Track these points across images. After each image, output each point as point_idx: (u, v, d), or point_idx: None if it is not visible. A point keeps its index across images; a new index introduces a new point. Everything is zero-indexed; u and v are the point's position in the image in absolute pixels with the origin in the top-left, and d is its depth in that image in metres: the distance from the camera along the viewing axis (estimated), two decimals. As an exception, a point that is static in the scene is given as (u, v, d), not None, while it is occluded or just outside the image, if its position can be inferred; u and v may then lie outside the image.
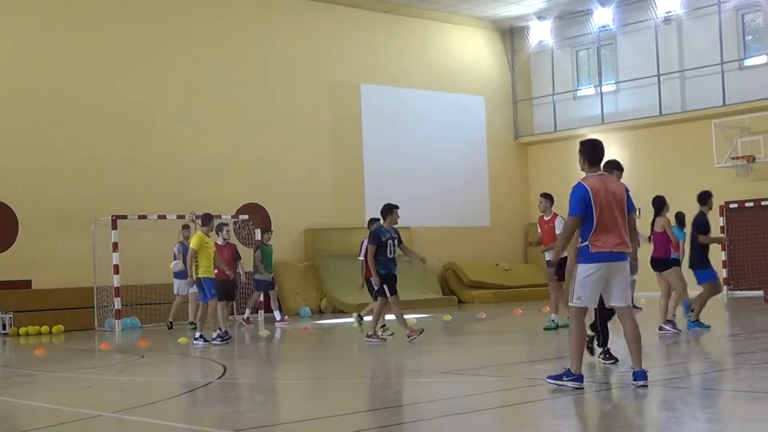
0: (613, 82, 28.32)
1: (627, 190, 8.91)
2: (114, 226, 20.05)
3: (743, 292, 23.72)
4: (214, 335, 15.19)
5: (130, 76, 22.83)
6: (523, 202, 29.25)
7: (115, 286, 19.96)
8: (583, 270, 8.57)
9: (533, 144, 29.70)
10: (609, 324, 10.42)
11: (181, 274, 19.17)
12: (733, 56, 25.47)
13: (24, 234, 20.89)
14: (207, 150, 23.71)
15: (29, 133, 21.42)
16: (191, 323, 19.14)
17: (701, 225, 14.15)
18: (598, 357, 10.33)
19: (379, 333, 14.59)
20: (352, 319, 18.64)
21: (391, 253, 14.30)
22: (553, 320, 15.08)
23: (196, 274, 15.23)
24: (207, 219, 15.75)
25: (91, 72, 22.31)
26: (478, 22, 29.30)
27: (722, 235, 22.77)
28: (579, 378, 8.53)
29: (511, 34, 30.15)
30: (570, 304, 8.78)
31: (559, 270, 13.53)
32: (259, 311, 21.72)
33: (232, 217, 21.87)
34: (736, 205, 24.46)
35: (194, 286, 17.44)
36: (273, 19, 25.40)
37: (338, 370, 11.76)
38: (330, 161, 26.03)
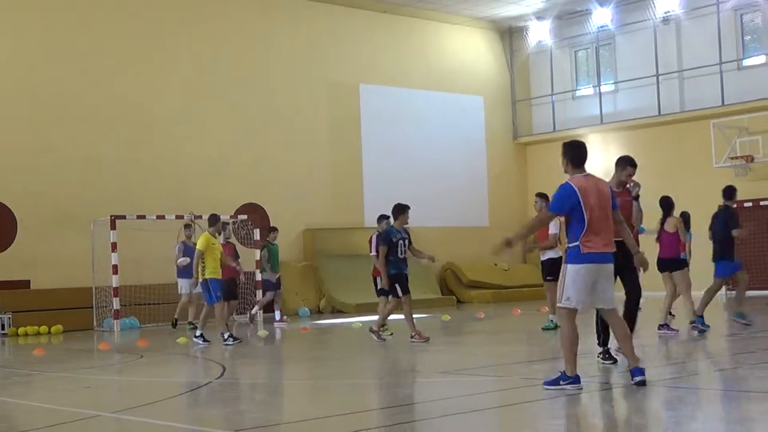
0: (612, 82, 28.34)
1: (611, 188, 8.89)
2: (113, 226, 20.04)
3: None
4: (226, 335, 15.10)
5: (129, 76, 22.85)
6: (522, 202, 29.24)
7: (114, 286, 19.96)
8: (572, 271, 8.52)
9: (532, 144, 29.71)
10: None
11: (184, 273, 19.17)
12: (732, 56, 25.49)
13: (23, 234, 20.88)
14: (206, 150, 23.73)
15: (28, 134, 21.43)
16: (190, 323, 19.16)
17: (731, 218, 14.15)
18: (597, 356, 10.34)
19: (380, 333, 14.56)
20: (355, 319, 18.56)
21: (402, 253, 14.32)
22: (551, 320, 15.08)
23: (203, 275, 15.17)
24: (214, 220, 15.68)
25: (91, 72, 22.33)
26: (476, 22, 29.31)
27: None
28: (576, 380, 8.50)
29: (509, 34, 30.16)
30: (559, 305, 8.73)
31: (552, 270, 13.54)
32: (259, 311, 21.70)
33: (231, 217, 21.87)
34: (734, 205, 24.43)
35: (197, 287, 17.49)
36: (272, 19, 25.42)
37: (337, 370, 11.76)
38: (329, 161, 26.04)
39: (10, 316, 20.00)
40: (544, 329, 15.04)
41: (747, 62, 25.71)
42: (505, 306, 23.46)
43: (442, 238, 27.22)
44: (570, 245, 8.57)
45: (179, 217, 20.93)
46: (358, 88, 26.81)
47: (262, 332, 17.29)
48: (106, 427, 8.28)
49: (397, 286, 14.26)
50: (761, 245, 24.15)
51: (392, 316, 15.34)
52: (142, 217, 20.82)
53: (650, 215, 14.41)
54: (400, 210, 14.48)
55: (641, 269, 9.69)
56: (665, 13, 26.43)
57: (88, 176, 21.91)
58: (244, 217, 22.27)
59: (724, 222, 14.20)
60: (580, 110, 28.99)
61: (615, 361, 10.10)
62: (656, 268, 14.03)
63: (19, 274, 20.75)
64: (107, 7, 22.86)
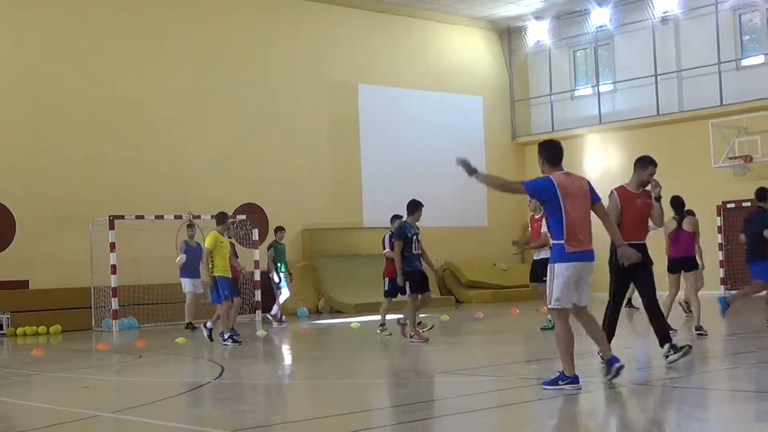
0: (611, 82, 28.34)
1: (589, 183, 8.90)
2: (111, 227, 20.03)
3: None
4: (226, 335, 15.08)
5: (128, 76, 22.84)
6: (521, 202, 29.09)
7: (113, 286, 19.93)
8: (560, 270, 8.52)
9: (531, 144, 29.67)
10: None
11: (187, 273, 19.14)
12: (731, 56, 25.50)
13: (21, 234, 20.84)
14: (205, 150, 23.72)
15: (27, 133, 21.41)
16: (188, 325, 19.12)
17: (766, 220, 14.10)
18: (598, 353, 10.27)
19: (420, 332, 14.38)
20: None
21: (416, 249, 14.32)
22: (550, 320, 15.07)
23: (211, 272, 15.17)
24: (222, 217, 15.64)
25: (91, 72, 22.31)
26: (475, 22, 29.32)
27: None
28: (574, 380, 8.50)
29: (508, 34, 30.17)
30: (550, 307, 8.71)
31: (541, 271, 13.59)
32: (257, 311, 21.72)
33: (229, 217, 21.83)
34: (733, 205, 24.45)
35: (194, 286, 17.59)
36: (271, 19, 25.41)
37: (336, 370, 11.76)
38: (327, 161, 26.04)
39: (8, 316, 19.99)
40: (543, 329, 15.03)
41: (745, 62, 25.72)
42: (503, 306, 23.47)
43: (440, 238, 27.18)
44: (554, 242, 8.58)
45: (178, 217, 20.93)
46: (357, 88, 26.81)
47: (261, 332, 17.28)
48: (104, 427, 8.28)
49: (407, 284, 14.26)
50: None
51: (389, 315, 15.35)
52: (141, 217, 20.81)
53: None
54: (415, 206, 14.52)
55: (622, 263, 9.59)
56: (664, 13, 26.44)
57: (86, 176, 21.90)
58: (243, 217, 22.27)
59: (763, 223, 14.15)
60: (579, 110, 28.99)
61: (688, 346, 9.93)
62: (667, 268, 13.87)
63: (17, 274, 20.73)
64: (107, 7, 22.85)
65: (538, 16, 28.72)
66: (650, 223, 10.53)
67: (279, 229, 20.48)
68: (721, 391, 8.90)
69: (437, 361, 12.56)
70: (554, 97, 29.44)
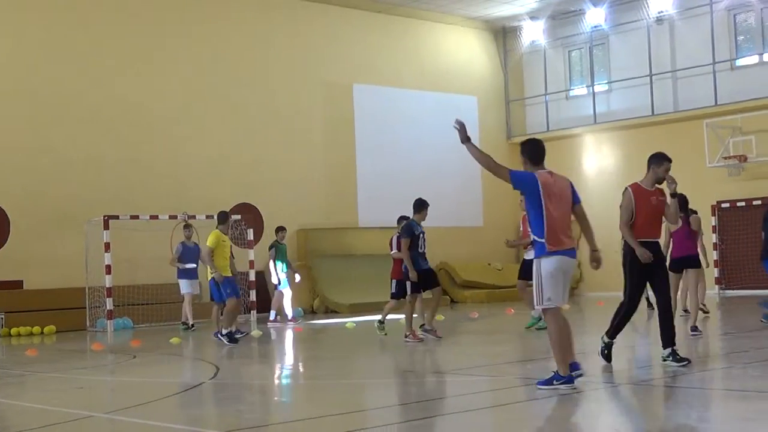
0: (606, 82, 28.35)
1: (572, 184, 8.88)
2: (106, 227, 19.99)
3: (735, 291, 23.78)
4: (224, 331, 15.03)
5: (128, 76, 22.78)
6: (516, 202, 29.07)
7: (107, 286, 19.90)
8: (546, 269, 8.51)
9: (526, 144, 29.69)
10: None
11: (184, 274, 19.09)
12: (725, 56, 25.53)
13: (16, 234, 20.82)
14: (200, 150, 23.67)
15: (23, 134, 21.36)
16: (184, 323, 19.12)
17: None
18: (599, 354, 10.20)
19: (415, 332, 14.36)
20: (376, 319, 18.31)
21: (422, 248, 14.35)
22: (534, 317, 15.11)
23: (211, 273, 15.14)
24: (224, 217, 15.61)
25: (90, 72, 22.27)
26: (470, 22, 29.32)
27: None
28: (569, 379, 8.49)
29: (503, 34, 30.17)
30: (541, 307, 8.66)
31: (530, 270, 13.59)
32: (252, 311, 21.71)
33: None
34: (728, 205, 24.52)
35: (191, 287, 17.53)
36: (267, 20, 25.38)
37: (331, 370, 11.75)
38: (323, 161, 26.01)
39: (2, 316, 19.96)
40: (538, 329, 15.01)
41: (740, 62, 25.74)
42: (498, 306, 23.47)
43: (436, 238, 27.00)
44: (536, 240, 8.56)
45: (173, 217, 20.91)
46: (352, 88, 26.79)
47: (256, 332, 17.26)
48: (98, 428, 8.26)
49: (408, 284, 14.26)
50: (753, 245, 24.18)
51: (390, 316, 15.34)
52: (136, 217, 20.77)
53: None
54: (421, 205, 14.61)
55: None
56: (659, 13, 26.47)
57: (80, 176, 21.85)
58: (238, 217, 22.25)
59: None
60: (574, 110, 29.01)
61: (687, 361, 9.79)
62: (669, 266, 13.77)
63: (12, 275, 20.69)
64: (106, 6, 22.79)
65: (533, 16, 28.72)
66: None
67: (280, 229, 20.44)
68: (715, 390, 8.90)
69: (432, 362, 12.55)
70: (549, 97, 29.45)
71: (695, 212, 14.17)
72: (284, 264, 20.11)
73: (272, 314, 20.25)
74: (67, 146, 21.73)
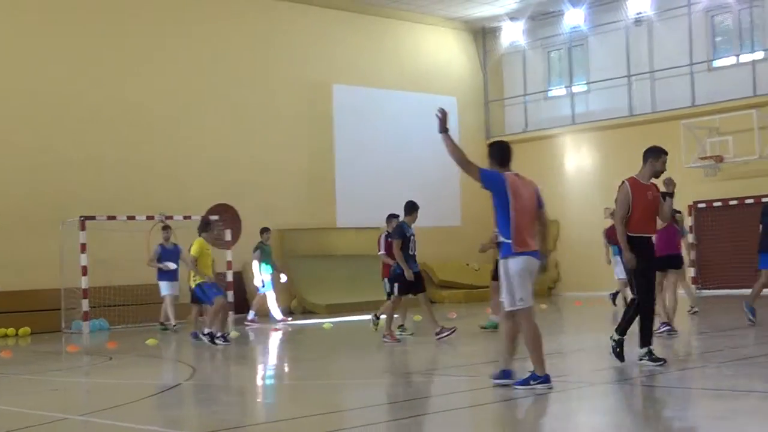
0: (584, 82, 28.45)
1: (537, 188, 8.89)
2: (82, 227, 19.87)
3: (711, 290, 23.91)
4: (206, 331, 14.90)
5: (93, 76, 22.62)
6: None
7: (83, 287, 19.77)
8: (514, 270, 8.53)
9: (505, 144, 29.72)
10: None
11: (163, 275, 18.96)
12: (703, 57, 25.68)
13: (-10, 235, 20.65)
14: (176, 151, 23.56)
15: (-3, 133, 21.22)
16: (162, 324, 19.01)
17: None
18: (613, 347, 10.08)
19: (393, 332, 14.36)
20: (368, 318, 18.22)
21: (412, 250, 14.38)
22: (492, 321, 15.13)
23: (194, 280, 15.05)
24: (207, 225, 15.53)
25: (63, 71, 22.08)
26: (450, 22, 29.35)
27: None
28: (546, 379, 8.52)
29: (483, 34, 30.22)
30: (513, 308, 8.61)
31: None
32: (229, 312, 21.61)
33: (202, 218, 21.71)
34: (704, 205, 24.65)
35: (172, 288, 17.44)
36: (248, 21, 25.30)
37: (308, 370, 11.73)
38: (301, 161, 25.95)
39: (-23, 318, 19.79)
40: (483, 327, 15.20)
41: (717, 63, 25.89)
42: (476, 306, 23.47)
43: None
44: (504, 240, 8.57)
45: (150, 218, 20.80)
46: (332, 88, 26.75)
47: (233, 333, 17.19)
48: (73, 430, 8.20)
49: (396, 285, 14.25)
50: (729, 245, 24.35)
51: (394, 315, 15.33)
52: (113, 218, 20.65)
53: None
54: (412, 207, 14.75)
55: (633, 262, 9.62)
56: (637, 14, 26.58)
57: (56, 177, 21.66)
58: (216, 217, 22.15)
59: None
60: (553, 110, 29.09)
61: (663, 361, 9.82)
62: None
63: (-15, 276, 20.53)
64: (102, 6, 22.70)
65: (512, 16, 28.78)
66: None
67: (265, 230, 20.39)
68: (689, 389, 8.94)
69: (410, 361, 12.55)
70: (528, 98, 29.52)
71: (678, 212, 14.24)
72: (270, 265, 20.03)
73: (251, 314, 20.17)
74: (36, 147, 21.50)
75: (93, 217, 20.24)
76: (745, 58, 25.08)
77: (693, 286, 23.82)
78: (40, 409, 9.01)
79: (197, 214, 21.36)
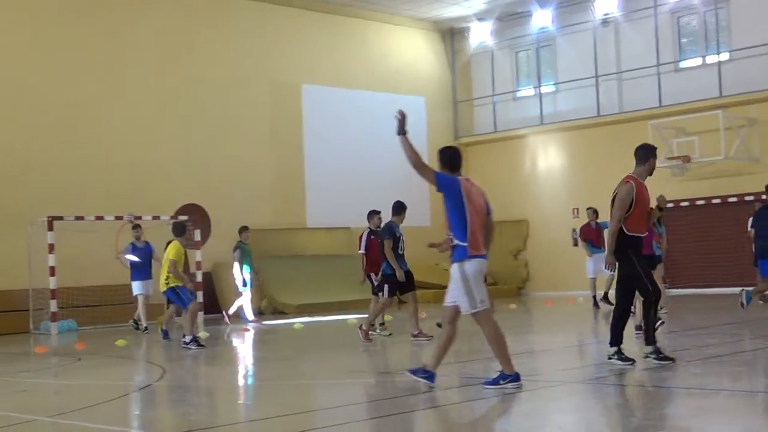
0: (553, 83, 28.62)
1: (485, 194, 8.96)
2: (50, 228, 19.70)
3: (679, 290, 24.11)
4: (188, 339, 14.78)
5: (74, 76, 22.48)
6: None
7: (51, 288, 19.60)
8: (471, 272, 8.57)
9: (473, 144, 29.85)
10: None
11: (135, 275, 18.78)
12: (669, 58, 25.92)
13: (-44, 235, 20.43)
14: (146, 150, 23.43)
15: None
16: (135, 321, 18.84)
17: None
18: (609, 357, 10.07)
19: (368, 332, 14.36)
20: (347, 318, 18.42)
21: (401, 250, 14.40)
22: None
23: (167, 284, 14.96)
24: (182, 229, 15.40)
25: (38, 71, 21.91)
26: (418, 23, 29.40)
27: None
28: (515, 378, 8.57)
29: (451, 35, 30.31)
30: (473, 311, 8.64)
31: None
32: (199, 312, 21.52)
33: (171, 217, 21.63)
34: (671, 205, 24.81)
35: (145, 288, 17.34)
36: (216, 20, 25.22)
37: (278, 371, 11.71)
38: (271, 162, 25.90)
39: (-57, 319, 19.57)
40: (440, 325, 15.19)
41: (684, 64, 26.14)
42: (447, 306, 23.50)
43: (384, 238, 27.20)
44: (459, 243, 8.61)
45: (119, 218, 20.67)
46: (301, 89, 26.72)
47: (203, 333, 17.13)
48: (42, 432, 8.14)
49: (386, 286, 14.26)
50: (697, 244, 24.59)
51: (388, 311, 15.32)
52: (81, 218, 20.49)
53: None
54: (400, 207, 14.80)
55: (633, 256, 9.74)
56: (604, 15, 26.77)
57: (24, 176, 21.49)
58: (186, 218, 22.04)
59: None
60: (521, 111, 29.23)
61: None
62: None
63: (-49, 277, 20.31)
64: (53, 6, 22.50)
65: (480, 17, 28.89)
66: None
67: (244, 229, 20.28)
68: (658, 387, 9.01)
69: (379, 362, 12.56)
70: (497, 98, 29.64)
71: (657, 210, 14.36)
72: (249, 265, 19.97)
73: (250, 315, 20.11)
74: (7, 147, 21.34)
75: (61, 218, 20.08)
76: (711, 59, 25.34)
77: (661, 285, 24.07)
78: (7, 411, 8.92)
79: (166, 214, 21.32)
